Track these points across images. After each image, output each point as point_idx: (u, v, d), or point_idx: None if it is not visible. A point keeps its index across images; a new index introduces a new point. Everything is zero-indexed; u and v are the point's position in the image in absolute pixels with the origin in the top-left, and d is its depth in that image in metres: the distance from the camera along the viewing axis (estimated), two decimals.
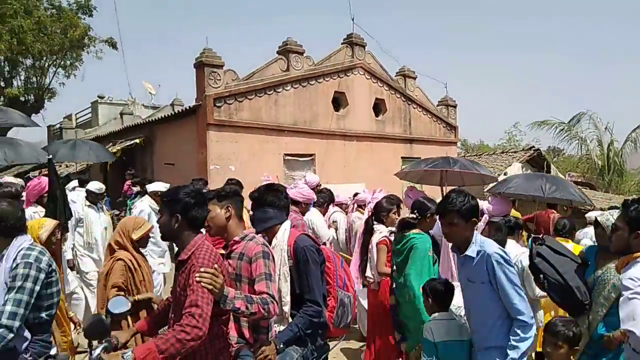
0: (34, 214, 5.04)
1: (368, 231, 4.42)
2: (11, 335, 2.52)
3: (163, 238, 2.49)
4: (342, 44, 12.54)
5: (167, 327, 2.49)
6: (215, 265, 2.27)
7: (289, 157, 11.09)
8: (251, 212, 3.07)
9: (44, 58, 17.29)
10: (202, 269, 2.20)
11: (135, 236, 3.71)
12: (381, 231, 4.28)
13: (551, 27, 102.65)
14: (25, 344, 2.68)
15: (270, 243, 2.80)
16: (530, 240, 3.54)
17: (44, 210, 5.00)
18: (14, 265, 2.68)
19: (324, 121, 11.80)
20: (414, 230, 3.64)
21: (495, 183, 7.53)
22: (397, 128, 13.71)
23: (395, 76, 13.88)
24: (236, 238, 2.61)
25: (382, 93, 13.28)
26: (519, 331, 2.57)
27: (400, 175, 7.74)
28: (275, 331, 2.71)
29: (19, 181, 6.12)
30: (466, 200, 2.68)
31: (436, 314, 3.00)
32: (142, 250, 3.93)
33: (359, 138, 12.54)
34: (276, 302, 2.44)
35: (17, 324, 2.55)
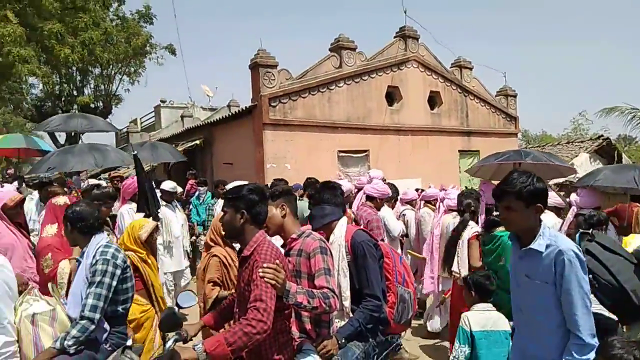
0: (130, 210, 5.64)
1: (461, 226, 4.34)
2: (93, 326, 2.73)
3: (226, 236, 2.58)
4: (394, 37, 12.38)
5: (232, 321, 2.59)
6: (277, 261, 2.33)
7: (343, 154, 11.11)
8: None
9: (111, 67, 18.38)
10: (264, 265, 2.26)
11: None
12: (472, 226, 4.28)
13: (620, 5, 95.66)
14: (105, 335, 2.88)
15: (328, 239, 2.83)
16: (577, 235, 3.24)
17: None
18: (94, 261, 2.89)
19: (377, 116, 11.71)
20: (502, 228, 3.62)
21: (582, 175, 7.00)
22: (453, 121, 13.35)
23: (451, 67, 13.51)
24: (293, 235, 2.67)
25: (437, 85, 12.97)
26: (574, 351, 2.16)
27: (471, 172, 7.42)
28: (336, 326, 2.73)
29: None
30: (529, 182, 2.28)
31: (476, 304, 3.10)
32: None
33: (413, 132, 12.33)
34: (336, 296, 2.47)
35: (97, 316, 2.75)
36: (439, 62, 13.12)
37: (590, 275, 2.80)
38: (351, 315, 2.77)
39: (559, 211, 5.37)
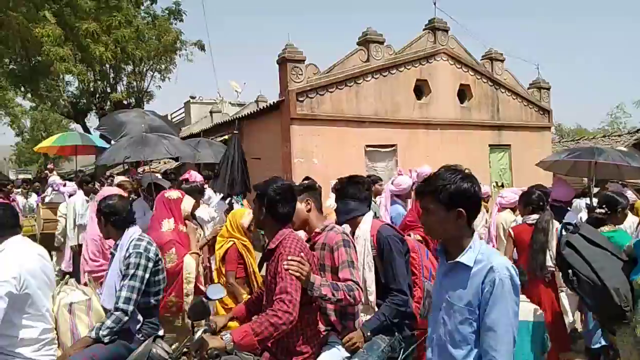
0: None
1: (544, 221, 4.16)
2: (126, 317, 2.83)
3: (255, 225, 2.68)
4: (423, 30, 12.20)
5: (260, 313, 2.63)
6: (302, 254, 2.36)
7: (371, 148, 11.05)
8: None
9: (143, 64, 18.79)
10: (289, 257, 2.30)
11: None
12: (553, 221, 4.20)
13: None
14: (138, 326, 2.97)
15: (353, 234, 2.85)
16: (561, 226, 3.02)
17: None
18: (127, 254, 2.99)
19: (405, 110, 11.58)
20: (606, 228, 3.47)
21: None
22: (484, 114, 13.07)
23: (481, 60, 13.23)
24: (317, 229, 2.70)
25: (467, 78, 12.72)
26: None
27: (544, 166, 7.08)
28: (362, 320, 2.74)
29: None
30: (450, 180, 1.82)
31: None
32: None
33: (442, 126, 12.15)
34: (361, 288, 2.49)
35: (130, 307, 2.85)
36: (469, 55, 12.86)
37: (570, 271, 2.70)
38: (376, 309, 2.78)
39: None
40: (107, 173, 14.73)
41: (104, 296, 3.04)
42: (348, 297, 2.38)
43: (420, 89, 12.02)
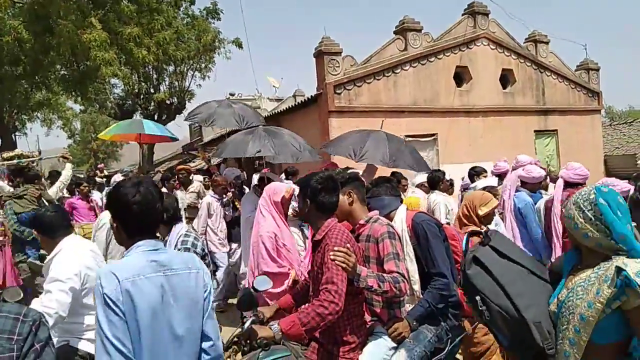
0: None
1: None
2: None
3: (301, 220, 2.72)
4: (462, 14, 11.88)
5: (307, 304, 2.68)
6: (348, 245, 2.38)
7: (410, 138, 10.87)
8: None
9: (183, 64, 19.29)
10: (335, 248, 2.32)
11: (481, 212, 3.65)
12: None
13: None
14: None
15: None
16: (466, 235, 2.56)
17: None
18: (176, 250, 3.11)
19: (445, 98, 11.35)
20: None
21: None
22: (528, 99, 12.61)
23: (525, 43, 12.74)
24: (361, 221, 2.70)
25: (510, 63, 12.30)
26: None
27: None
28: (407, 309, 2.74)
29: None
30: None
31: None
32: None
33: (485, 113, 11.81)
34: (406, 280, 2.48)
35: None
36: (512, 38, 12.42)
37: (479, 297, 2.03)
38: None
39: None
40: (154, 170, 15.23)
41: None
42: (394, 289, 2.39)
43: (461, 76, 11.73)
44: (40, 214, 3.01)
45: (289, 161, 6.14)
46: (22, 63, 15.00)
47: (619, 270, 1.66)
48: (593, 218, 1.78)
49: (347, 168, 5.66)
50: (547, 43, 12.91)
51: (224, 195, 6.69)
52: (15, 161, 6.43)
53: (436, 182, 6.10)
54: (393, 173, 6.21)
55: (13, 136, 22.69)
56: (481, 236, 2.26)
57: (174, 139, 8.58)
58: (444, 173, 6.22)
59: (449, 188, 6.43)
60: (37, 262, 4.31)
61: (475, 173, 6.64)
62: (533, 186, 5.02)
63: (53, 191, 5.99)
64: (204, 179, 9.02)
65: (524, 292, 1.95)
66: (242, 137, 5.91)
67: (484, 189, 4.66)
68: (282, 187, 3.84)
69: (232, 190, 6.92)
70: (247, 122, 6.76)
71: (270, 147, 5.50)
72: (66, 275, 2.67)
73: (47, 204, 5.35)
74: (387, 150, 5.28)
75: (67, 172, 6.34)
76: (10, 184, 7.22)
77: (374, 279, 2.37)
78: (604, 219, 1.76)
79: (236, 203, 6.77)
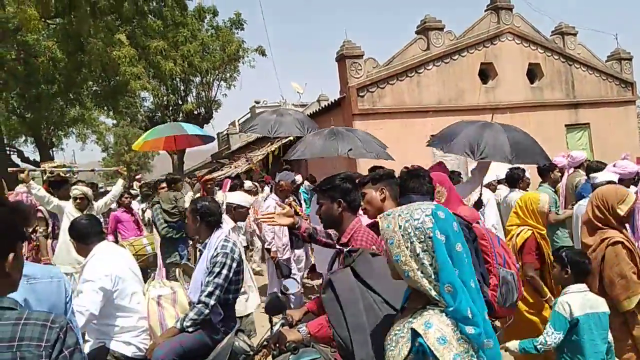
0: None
1: None
2: (207, 310, 3.03)
3: (325, 226, 2.70)
4: (485, 10, 11.71)
5: None
6: (374, 247, 2.38)
7: None
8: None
9: (209, 74, 19.70)
10: (258, 216, 2.36)
11: (622, 211, 3.03)
12: None
13: None
14: (219, 319, 3.17)
15: None
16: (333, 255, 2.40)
17: None
18: (215, 253, 3.20)
19: (471, 96, 11.19)
20: None
21: None
22: (557, 93, 12.29)
23: (551, 35, 12.44)
24: None
25: (537, 57, 12.02)
26: None
27: None
28: None
29: None
30: None
31: (572, 286, 2.80)
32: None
33: (512, 109, 11.58)
34: None
35: (212, 302, 3.05)
36: (537, 32, 12.14)
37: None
38: None
39: None
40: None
41: (191, 289, 3.28)
42: None
43: (486, 73, 11.55)
44: (75, 222, 3.16)
45: (373, 158, 6.16)
46: (57, 81, 15.64)
47: (415, 333, 1.38)
48: (421, 254, 1.41)
49: (375, 167, 5.57)
50: (575, 35, 12.57)
51: (286, 200, 6.70)
52: (62, 169, 6.45)
53: (516, 179, 5.79)
54: (511, 168, 5.86)
55: (50, 152, 23.63)
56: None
57: (211, 138, 8.35)
58: (523, 170, 5.86)
59: (527, 186, 6.03)
60: (189, 263, 4.43)
61: (515, 174, 6.01)
62: (628, 182, 4.81)
63: (99, 205, 5.96)
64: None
65: (364, 326, 1.80)
66: (320, 138, 6.04)
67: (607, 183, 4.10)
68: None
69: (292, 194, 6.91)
70: (307, 128, 6.98)
71: (360, 146, 5.77)
72: (97, 276, 2.83)
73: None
74: (507, 143, 4.59)
75: (117, 187, 6.30)
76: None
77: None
78: (436, 260, 1.39)
79: (296, 208, 6.77)
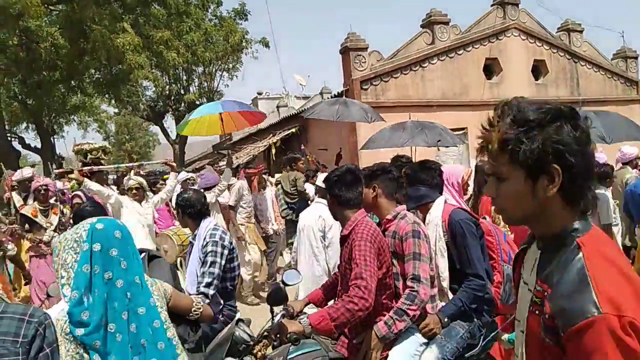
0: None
1: None
2: (207, 300, 3.01)
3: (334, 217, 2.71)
4: (491, 5, 11.63)
5: (335, 299, 2.68)
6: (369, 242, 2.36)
7: None
8: None
9: (212, 64, 19.60)
10: None
11: None
12: None
13: None
14: (219, 308, 3.16)
15: (424, 220, 2.79)
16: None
17: None
18: (204, 243, 3.18)
19: (475, 91, 11.14)
20: None
21: None
22: (562, 90, 12.24)
23: (557, 32, 12.36)
24: (388, 217, 2.66)
25: (542, 53, 11.96)
26: None
27: None
28: (438, 305, 2.70)
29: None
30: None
31: None
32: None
33: None
34: (422, 282, 2.42)
35: (211, 292, 3.04)
36: (543, 28, 12.07)
37: None
38: (450, 295, 2.72)
39: None
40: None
41: (187, 282, 3.26)
42: (415, 309, 2.38)
43: (490, 68, 11.49)
44: (80, 209, 3.14)
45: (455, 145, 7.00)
46: (59, 68, 15.56)
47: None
48: (72, 263, 1.55)
49: (398, 157, 5.50)
50: (581, 32, 12.49)
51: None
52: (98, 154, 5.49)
53: (604, 178, 5.24)
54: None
55: (52, 139, 23.58)
56: None
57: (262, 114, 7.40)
58: (612, 168, 5.51)
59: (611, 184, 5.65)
60: None
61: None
62: (636, 164, 4.74)
63: (155, 200, 5.37)
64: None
65: None
66: (405, 132, 6.48)
67: None
68: (461, 169, 3.65)
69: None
70: (371, 117, 7.11)
71: (446, 136, 6.36)
72: None
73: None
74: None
75: (172, 181, 5.62)
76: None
77: (394, 322, 2.35)
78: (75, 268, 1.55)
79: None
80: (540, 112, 1.00)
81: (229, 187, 6.16)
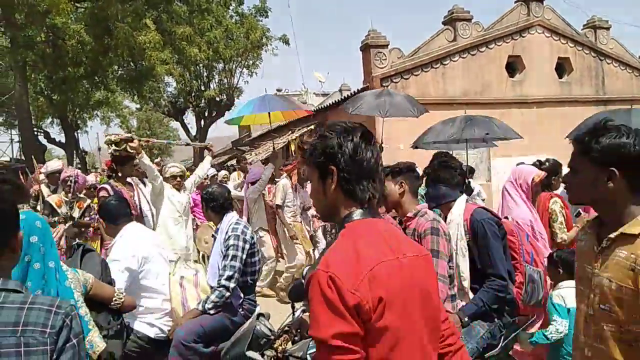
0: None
1: None
2: (228, 293, 3.08)
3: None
4: (515, 2, 11.43)
5: None
6: None
7: None
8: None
9: (232, 61, 19.75)
10: None
11: None
12: None
13: None
14: (239, 301, 3.21)
15: (445, 219, 2.78)
16: None
17: None
18: (227, 237, 3.24)
19: (497, 89, 10.98)
20: None
21: None
22: (586, 89, 11.97)
23: (583, 29, 12.09)
24: (409, 214, 2.66)
25: (567, 51, 11.71)
26: None
27: None
28: (458, 303, 2.69)
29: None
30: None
31: (565, 282, 2.91)
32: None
33: (539, 104, 11.33)
34: (441, 280, 2.40)
35: (232, 285, 3.09)
36: (568, 25, 11.82)
37: None
38: (470, 294, 2.70)
39: None
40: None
41: (209, 275, 3.33)
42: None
43: (513, 66, 11.31)
44: (105, 203, 3.22)
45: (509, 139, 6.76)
46: (84, 64, 15.87)
47: None
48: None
49: (439, 154, 5.44)
50: (607, 29, 12.19)
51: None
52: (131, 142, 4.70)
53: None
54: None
55: (75, 134, 24.09)
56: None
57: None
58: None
59: None
60: None
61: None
62: None
63: (188, 185, 5.08)
64: None
65: None
66: (453, 127, 6.32)
67: None
68: (532, 170, 3.63)
69: None
70: (417, 110, 6.95)
71: (496, 129, 6.27)
72: (123, 256, 2.87)
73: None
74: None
75: (206, 164, 5.44)
76: (102, 173, 6.79)
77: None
78: None
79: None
80: (329, 129, 1.37)
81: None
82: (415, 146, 7.27)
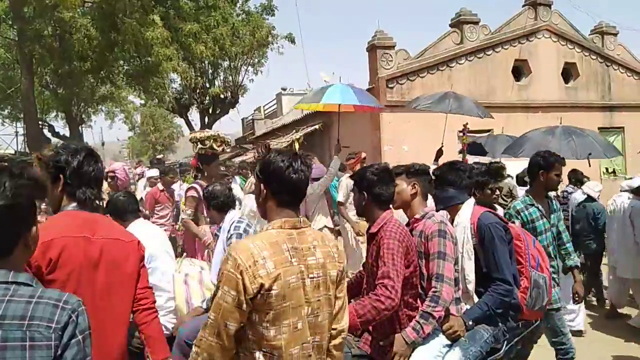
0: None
1: None
2: None
3: (358, 213, 2.72)
4: (523, 6, 11.42)
5: (360, 296, 2.70)
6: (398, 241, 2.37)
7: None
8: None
9: (237, 59, 19.74)
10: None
11: None
12: None
13: None
14: None
15: (452, 221, 2.78)
16: None
17: None
18: (229, 235, 3.24)
19: (502, 93, 10.97)
20: None
21: None
22: (592, 94, 11.95)
23: (590, 35, 12.07)
24: (417, 216, 2.67)
25: (573, 56, 11.69)
26: None
27: None
28: (463, 307, 2.69)
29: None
30: None
31: None
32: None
33: (544, 109, 11.30)
34: (445, 282, 2.42)
35: None
36: (576, 30, 11.79)
37: None
38: (475, 298, 2.70)
39: None
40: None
41: (212, 274, 3.33)
42: (440, 310, 2.39)
43: (519, 70, 11.30)
44: (114, 199, 3.22)
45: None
46: (90, 59, 15.89)
47: None
48: None
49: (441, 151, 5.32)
50: (615, 35, 12.17)
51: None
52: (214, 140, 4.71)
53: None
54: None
55: (80, 128, 24.14)
56: None
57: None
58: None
59: None
60: None
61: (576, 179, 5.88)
62: None
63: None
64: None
65: None
66: (554, 138, 5.95)
67: None
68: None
69: None
70: (482, 113, 7.08)
71: (598, 147, 5.82)
72: None
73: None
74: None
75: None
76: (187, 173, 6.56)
77: (422, 325, 2.36)
78: None
79: None
80: (62, 148, 1.97)
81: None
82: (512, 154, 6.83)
